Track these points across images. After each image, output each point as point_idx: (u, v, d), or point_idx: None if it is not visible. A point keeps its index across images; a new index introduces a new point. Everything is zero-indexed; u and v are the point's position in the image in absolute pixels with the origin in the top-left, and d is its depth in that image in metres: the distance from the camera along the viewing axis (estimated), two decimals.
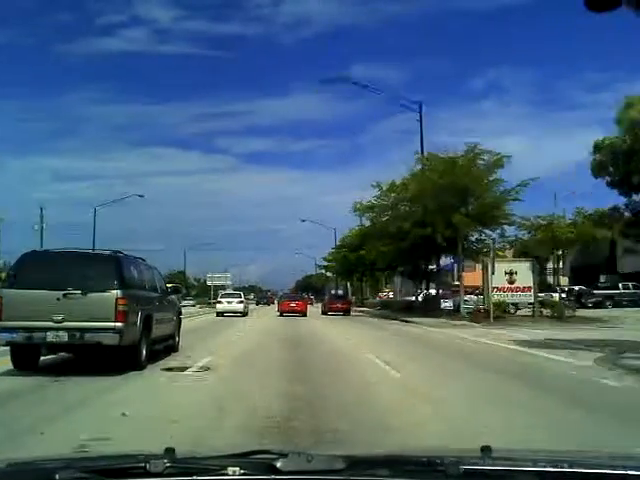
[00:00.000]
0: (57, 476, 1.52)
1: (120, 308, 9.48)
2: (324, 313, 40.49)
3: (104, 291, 9.55)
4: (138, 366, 10.05)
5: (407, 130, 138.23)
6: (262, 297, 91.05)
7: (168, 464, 1.58)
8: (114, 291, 9.55)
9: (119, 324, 9.45)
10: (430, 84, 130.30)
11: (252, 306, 60.68)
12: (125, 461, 1.78)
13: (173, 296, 14.21)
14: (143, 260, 12.20)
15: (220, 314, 36.49)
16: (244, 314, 37.16)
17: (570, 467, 1.69)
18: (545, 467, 1.70)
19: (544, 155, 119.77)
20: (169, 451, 1.79)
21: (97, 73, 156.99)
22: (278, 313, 38.16)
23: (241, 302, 37.89)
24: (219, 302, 38.68)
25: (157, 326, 11.35)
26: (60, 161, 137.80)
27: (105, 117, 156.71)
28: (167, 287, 13.82)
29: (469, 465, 1.66)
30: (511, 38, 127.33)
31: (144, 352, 10.39)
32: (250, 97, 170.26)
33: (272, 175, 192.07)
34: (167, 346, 12.87)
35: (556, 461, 1.82)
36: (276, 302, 56.03)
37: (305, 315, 36.65)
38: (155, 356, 11.57)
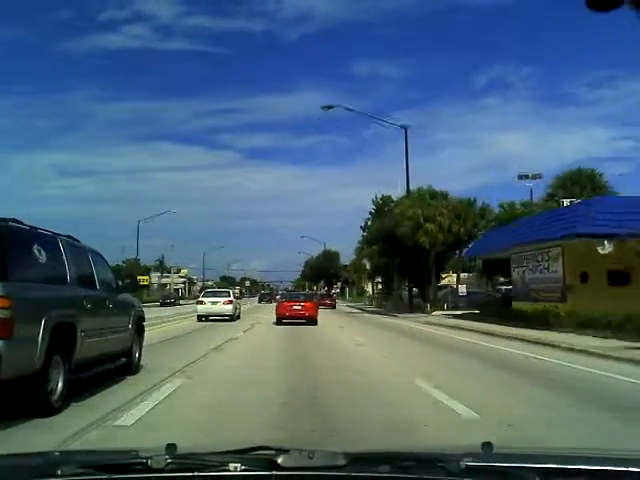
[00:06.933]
0: (59, 471, 1.49)
1: None
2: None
3: None
4: (44, 409, 5.98)
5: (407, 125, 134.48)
6: (264, 294, 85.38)
7: (169, 460, 1.52)
8: None
9: None
10: (433, 80, 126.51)
11: (248, 305, 54.77)
12: (127, 457, 1.74)
13: (127, 294, 10.01)
14: (73, 239, 8.04)
15: (202, 318, 27.60)
16: (233, 317, 28.03)
17: (572, 464, 1.64)
18: (546, 464, 1.63)
19: (546, 151, 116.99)
20: (170, 447, 1.63)
21: (100, 69, 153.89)
22: (275, 320, 25.87)
23: (229, 302, 28.31)
24: (201, 302, 29.04)
25: (89, 340, 7.27)
26: (64, 157, 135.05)
27: (108, 113, 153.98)
28: (117, 281, 9.66)
29: (470, 461, 1.58)
30: (514, 34, 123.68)
31: (58, 386, 6.30)
32: (253, 93, 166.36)
33: (275, 171, 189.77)
34: (119, 367, 8.96)
35: (558, 458, 1.78)
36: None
37: (315, 323, 24.90)
38: (96, 384, 7.88)
